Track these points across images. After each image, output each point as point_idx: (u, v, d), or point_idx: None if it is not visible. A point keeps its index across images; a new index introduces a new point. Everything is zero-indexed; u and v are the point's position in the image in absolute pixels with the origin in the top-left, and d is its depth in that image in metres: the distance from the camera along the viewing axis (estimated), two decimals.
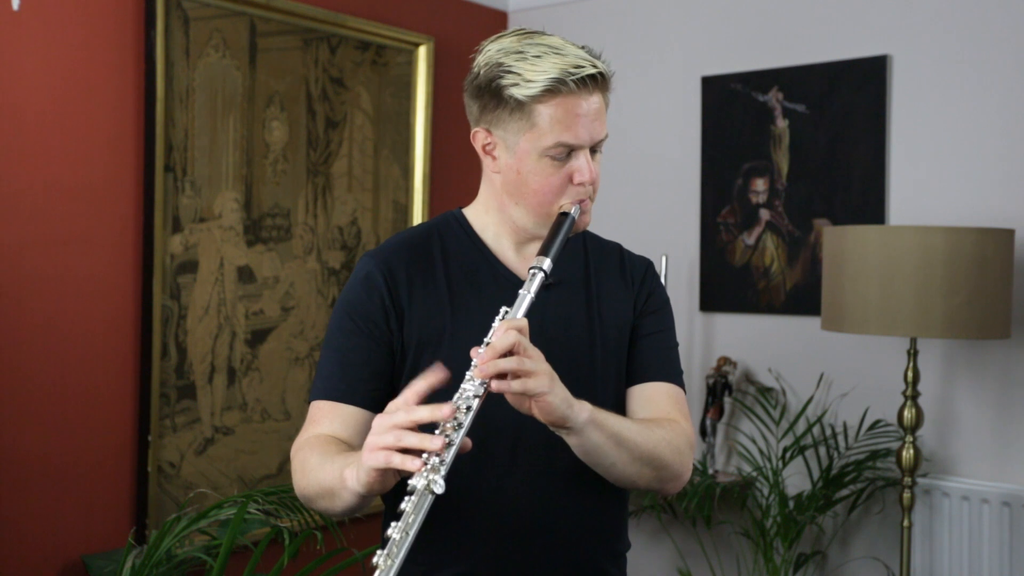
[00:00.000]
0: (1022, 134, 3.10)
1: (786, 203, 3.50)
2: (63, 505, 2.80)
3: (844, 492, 3.29)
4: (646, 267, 1.72)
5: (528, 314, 1.46)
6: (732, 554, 3.56)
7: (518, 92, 1.50)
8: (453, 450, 1.30)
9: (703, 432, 3.53)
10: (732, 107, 3.61)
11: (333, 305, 3.43)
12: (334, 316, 1.61)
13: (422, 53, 3.71)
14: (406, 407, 1.32)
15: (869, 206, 3.32)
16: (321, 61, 3.42)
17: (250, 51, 3.21)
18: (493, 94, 1.53)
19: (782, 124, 3.51)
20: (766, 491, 3.38)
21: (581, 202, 1.54)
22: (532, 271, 1.46)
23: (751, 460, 3.42)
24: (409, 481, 1.29)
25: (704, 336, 3.68)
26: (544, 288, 1.59)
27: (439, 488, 1.27)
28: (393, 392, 1.56)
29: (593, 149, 1.55)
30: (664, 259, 3.59)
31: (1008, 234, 2.81)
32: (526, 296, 1.44)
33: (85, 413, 2.85)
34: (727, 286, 3.62)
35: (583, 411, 1.42)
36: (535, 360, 1.37)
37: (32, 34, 2.72)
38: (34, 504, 2.75)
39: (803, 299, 3.45)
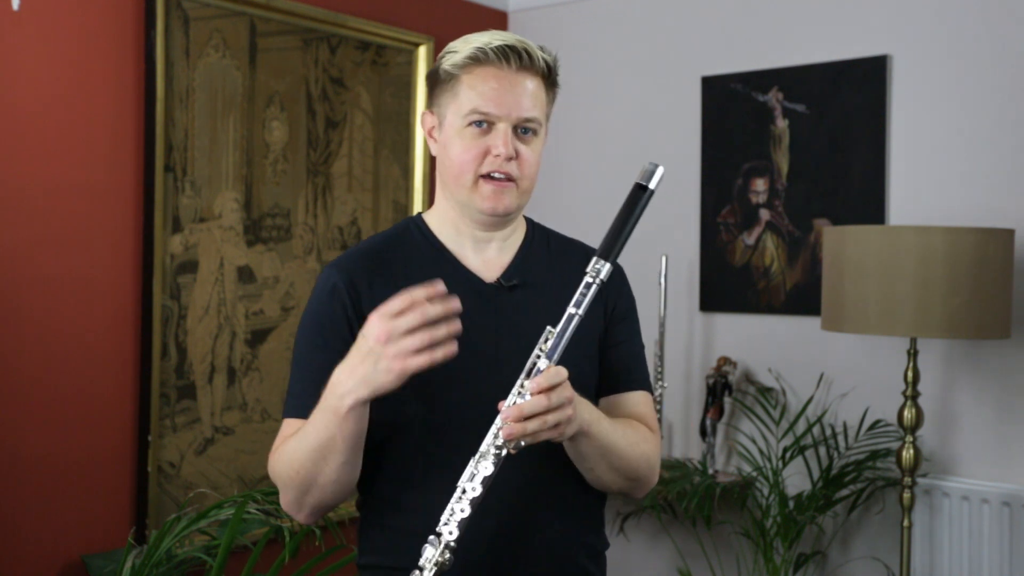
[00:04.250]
0: (1022, 134, 3.10)
1: (786, 203, 3.50)
2: (63, 505, 2.80)
3: (844, 492, 3.29)
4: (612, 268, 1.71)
5: (487, 316, 1.47)
6: (732, 554, 3.56)
7: (447, 63, 1.57)
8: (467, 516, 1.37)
9: (703, 432, 3.53)
10: (732, 107, 3.61)
11: None
12: (301, 331, 1.60)
13: (422, 53, 3.71)
14: (415, 313, 1.34)
15: (869, 206, 3.32)
16: (321, 61, 3.42)
17: (250, 51, 3.21)
18: (435, 74, 1.60)
19: (782, 124, 3.51)
20: (766, 491, 3.38)
21: (495, 179, 1.55)
22: (584, 281, 1.44)
23: (751, 460, 3.42)
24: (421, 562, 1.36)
25: (704, 336, 3.68)
26: (508, 290, 1.59)
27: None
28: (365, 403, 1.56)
29: (525, 130, 1.55)
30: (664, 259, 3.59)
31: (1008, 234, 2.81)
32: (577, 315, 1.42)
33: (85, 413, 2.85)
34: (727, 286, 3.62)
35: (577, 424, 1.45)
36: (558, 413, 1.39)
37: (32, 34, 2.72)
38: (34, 504, 2.75)
39: (803, 299, 3.45)
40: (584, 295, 1.42)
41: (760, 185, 3.55)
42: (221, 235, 3.14)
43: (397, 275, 1.59)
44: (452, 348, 1.35)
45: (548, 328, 1.43)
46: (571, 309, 1.42)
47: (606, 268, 1.43)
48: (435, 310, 1.34)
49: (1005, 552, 3.03)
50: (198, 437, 3.09)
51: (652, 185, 1.46)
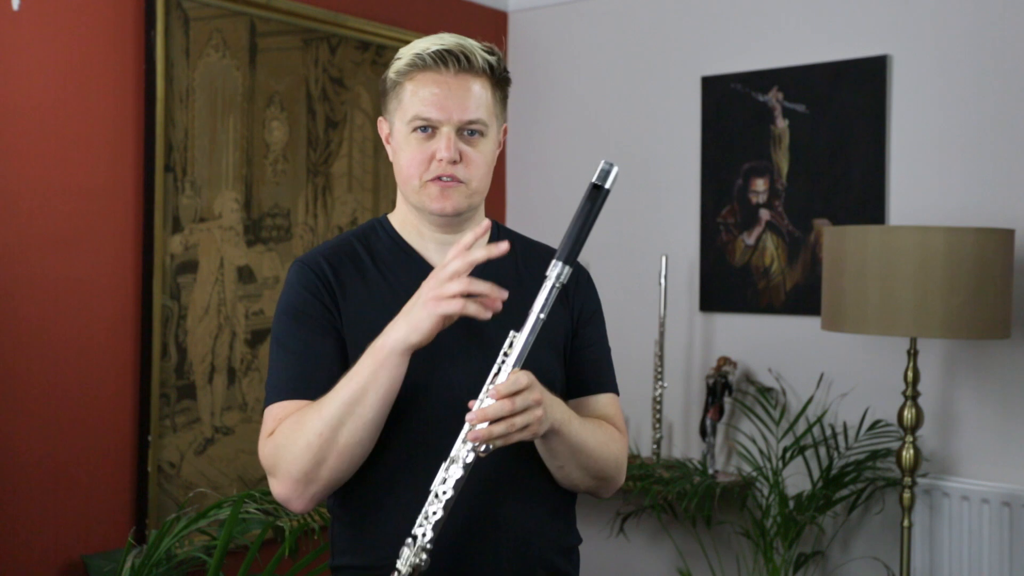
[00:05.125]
0: (1022, 134, 3.10)
1: (786, 203, 3.50)
2: (63, 505, 2.80)
3: (844, 492, 3.29)
4: (578, 271, 1.71)
5: (457, 318, 1.49)
6: (732, 554, 3.56)
7: (392, 71, 1.59)
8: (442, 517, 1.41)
9: (703, 432, 3.53)
10: (732, 107, 3.60)
11: None
12: (276, 322, 1.60)
13: None
14: (461, 254, 1.42)
15: (869, 206, 3.32)
16: (321, 61, 3.42)
17: (250, 51, 3.21)
18: (383, 82, 1.62)
19: (782, 124, 3.51)
20: (766, 491, 3.38)
21: (442, 181, 1.56)
22: (545, 285, 1.45)
23: (751, 460, 3.42)
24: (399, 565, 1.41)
25: (704, 336, 3.68)
26: None
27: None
28: None
29: (471, 132, 1.57)
30: (664, 259, 3.59)
31: (1008, 234, 2.81)
32: (539, 318, 1.44)
33: (85, 413, 2.85)
34: (727, 286, 3.62)
35: (549, 423, 1.47)
36: (526, 415, 1.41)
37: (32, 34, 2.73)
38: (34, 504, 2.75)
39: (803, 299, 3.45)
40: (546, 298, 1.44)
41: (760, 185, 3.55)
42: (221, 235, 3.14)
43: (366, 272, 1.61)
44: (484, 313, 1.41)
45: (512, 332, 1.44)
46: (534, 312, 1.44)
47: (566, 270, 1.44)
48: (478, 254, 1.41)
49: (1005, 552, 3.03)
50: (198, 437, 3.09)
51: (608, 184, 1.47)
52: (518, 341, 1.43)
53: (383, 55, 3.61)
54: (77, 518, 2.83)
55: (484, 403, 1.41)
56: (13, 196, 2.70)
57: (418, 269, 1.61)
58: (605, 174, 1.47)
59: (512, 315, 1.53)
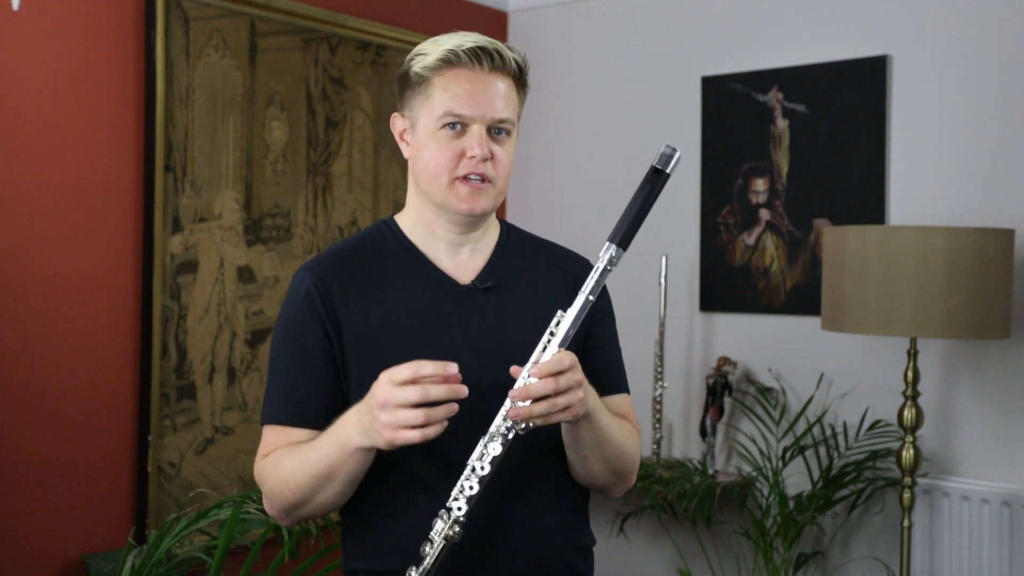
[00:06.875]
0: (1022, 134, 3.10)
1: (786, 203, 3.50)
2: (63, 505, 2.80)
3: (844, 492, 3.29)
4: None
5: (462, 319, 1.47)
6: (732, 554, 3.56)
7: (418, 66, 1.56)
8: (476, 492, 1.41)
9: (703, 432, 3.53)
10: (732, 107, 3.60)
11: None
12: (276, 336, 1.61)
13: None
14: (416, 389, 1.35)
15: (869, 206, 3.32)
16: (321, 61, 3.42)
17: (250, 51, 3.21)
18: (404, 77, 1.59)
19: (782, 124, 3.51)
20: (766, 491, 3.38)
21: (472, 181, 1.55)
22: (596, 267, 1.46)
23: (751, 460, 3.42)
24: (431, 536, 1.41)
25: (704, 336, 3.68)
26: (482, 292, 1.60)
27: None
28: (345, 406, 1.53)
29: (499, 131, 1.56)
30: (664, 259, 3.59)
31: (1008, 234, 2.81)
32: (588, 299, 1.44)
33: (85, 413, 2.85)
34: (727, 286, 3.62)
35: (585, 407, 1.46)
36: (568, 396, 1.40)
37: (32, 34, 2.73)
38: (34, 504, 2.75)
39: (803, 299, 3.45)
40: (596, 280, 1.44)
41: (760, 185, 3.55)
42: (221, 235, 3.14)
43: (370, 278, 1.60)
44: (443, 425, 1.37)
45: (559, 312, 1.44)
46: (583, 293, 1.44)
47: (620, 253, 1.44)
48: (438, 392, 1.35)
49: (1005, 552, 3.03)
50: (198, 437, 3.09)
51: (668, 169, 1.46)
52: (565, 321, 1.43)
53: (383, 55, 3.61)
54: (77, 518, 2.83)
55: (527, 381, 1.40)
56: (13, 196, 2.70)
57: (425, 273, 1.60)
58: (667, 158, 1.46)
59: (525, 319, 1.54)
